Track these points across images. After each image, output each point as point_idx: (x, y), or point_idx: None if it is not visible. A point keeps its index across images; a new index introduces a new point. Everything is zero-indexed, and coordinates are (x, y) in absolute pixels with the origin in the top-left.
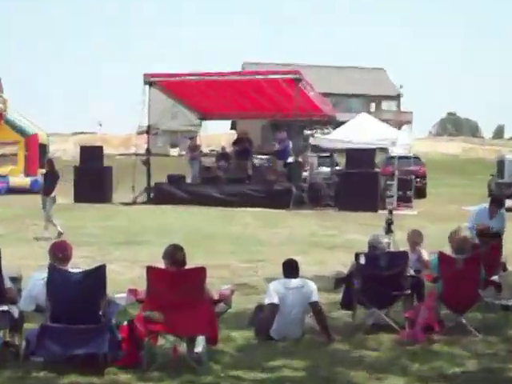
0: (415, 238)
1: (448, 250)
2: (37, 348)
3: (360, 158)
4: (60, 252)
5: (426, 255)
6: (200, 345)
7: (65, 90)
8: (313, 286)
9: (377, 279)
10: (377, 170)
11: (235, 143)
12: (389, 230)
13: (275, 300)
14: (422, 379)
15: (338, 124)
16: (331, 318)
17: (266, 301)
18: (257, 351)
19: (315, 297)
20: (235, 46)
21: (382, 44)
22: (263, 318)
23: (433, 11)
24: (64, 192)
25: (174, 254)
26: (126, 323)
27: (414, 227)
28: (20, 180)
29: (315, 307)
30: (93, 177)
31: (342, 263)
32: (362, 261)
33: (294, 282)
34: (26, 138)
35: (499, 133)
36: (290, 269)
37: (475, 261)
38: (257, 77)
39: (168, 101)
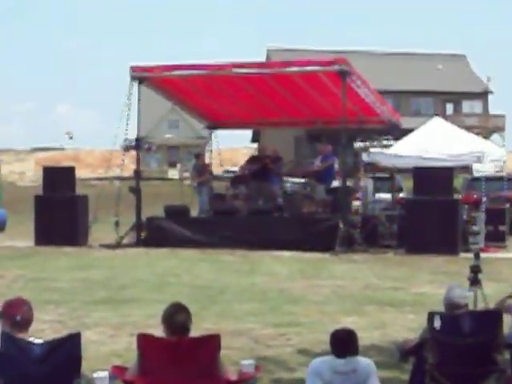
0: None
1: None
2: None
3: (433, 180)
4: (16, 314)
5: None
6: None
7: (21, 89)
8: (369, 366)
9: (458, 350)
10: (456, 196)
11: (251, 162)
12: (475, 281)
13: None
14: None
15: (401, 133)
16: None
17: None
18: None
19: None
20: (257, 28)
21: (461, 22)
22: None
23: None
24: (22, 231)
25: (176, 317)
26: None
27: None
28: None
29: None
30: (61, 210)
31: (409, 327)
32: (437, 324)
33: (347, 363)
34: None
35: None
36: (344, 344)
37: None
38: (287, 69)
39: (165, 104)
